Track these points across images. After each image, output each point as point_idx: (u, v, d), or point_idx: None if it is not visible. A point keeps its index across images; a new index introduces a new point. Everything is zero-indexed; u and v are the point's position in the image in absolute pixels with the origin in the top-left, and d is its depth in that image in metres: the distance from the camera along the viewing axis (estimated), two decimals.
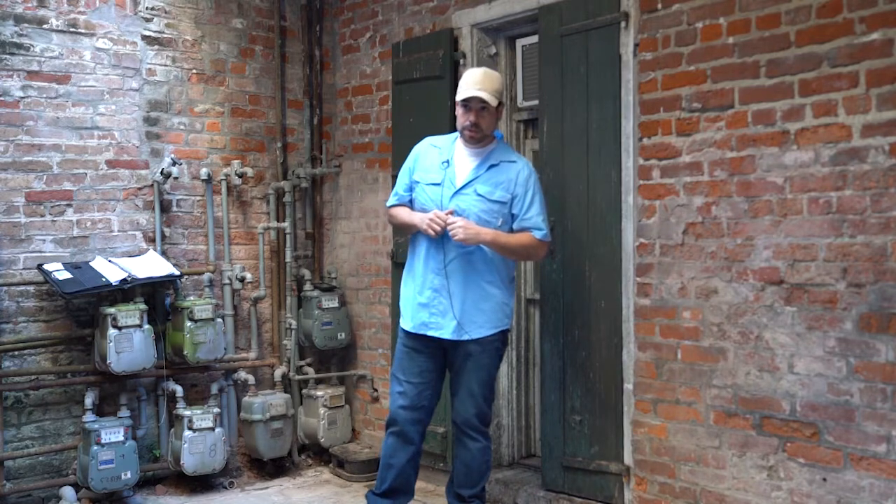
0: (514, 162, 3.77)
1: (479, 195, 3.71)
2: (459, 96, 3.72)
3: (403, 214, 3.88)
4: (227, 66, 5.30)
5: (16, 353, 4.53)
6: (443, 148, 3.86)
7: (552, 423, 4.22)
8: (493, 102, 3.69)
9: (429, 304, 3.75)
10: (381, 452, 4.01)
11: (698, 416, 3.65)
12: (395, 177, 4.22)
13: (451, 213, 3.65)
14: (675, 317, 3.73)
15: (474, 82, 3.70)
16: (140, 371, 4.60)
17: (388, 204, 4.01)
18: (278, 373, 5.33)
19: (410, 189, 3.89)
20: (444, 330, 3.73)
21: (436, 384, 3.87)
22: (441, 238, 3.69)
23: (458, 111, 3.76)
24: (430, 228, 3.64)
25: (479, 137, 3.74)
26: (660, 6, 3.75)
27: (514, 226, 3.73)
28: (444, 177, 3.76)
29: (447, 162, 3.79)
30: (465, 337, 3.72)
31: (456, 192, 3.73)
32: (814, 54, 3.25)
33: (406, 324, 3.85)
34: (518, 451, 4.83)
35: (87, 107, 4.78)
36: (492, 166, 3.74)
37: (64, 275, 4.45)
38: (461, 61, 4.67)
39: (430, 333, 3.76)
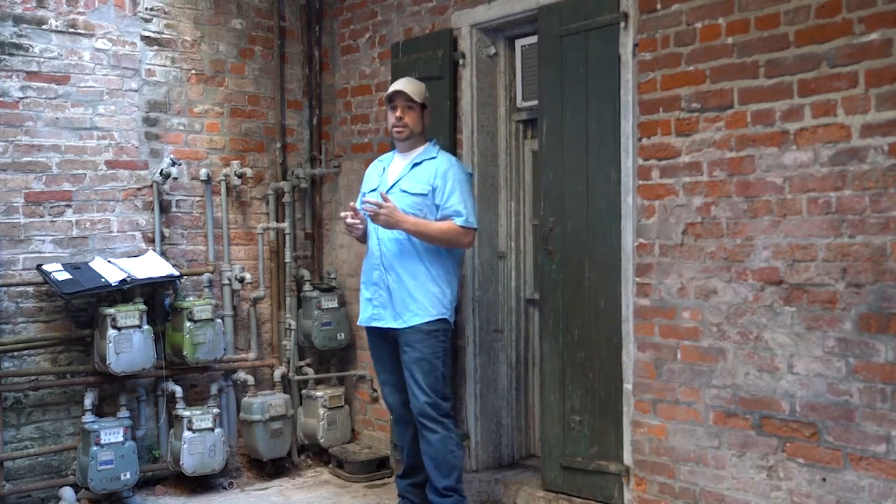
0: (434, 158, 4.06)
1: (403, 191, 4.01)
2: (385, 95, 4.08)
3: None
4: (227, 67, 5.30)
5: (15, 353, 4.53)
6: (384, 160, 4.25)
7: (552, 423, 4.22)
8: (417, 98, 4.01)
9: (372, 297, 4.06)
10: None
11: (698, 416, 3.65)
12: None
13: (385, 198, 3.90)
14: (674, 317, 3.73)
15: (398, 83, 4.07)
16: (139, 371, 4.60)
17: None
18: (278, 373, 5.33)
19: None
20: (385, 320, 4.00)
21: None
22: (377, 235, 4.01)
23: (388, 114, 4.11)
24: (346, 228, 4.08)
25: (406, 134, 4.06)
26: (659, 6, 3.75)
27: (438, 215, 3.98)
28: (380, 182, 4.12)
29: (384, 170, 4.17)
30: (403, 325, 3.93)
31: (386, 192, 4.00)
32: (813, 54, 3.25)
33: (360, 320, 4.15)
34: (517, 452, 4.83)
35: (87, 107, 4.78)
36: (415, 165, 4.06)
37: (63, 275, 4.45)
38: (460, 61, 4.67)
39: (374, 325, 4.05)
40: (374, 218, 3.87)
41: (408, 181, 4.01)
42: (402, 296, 3.94)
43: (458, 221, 3.93)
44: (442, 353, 3.97)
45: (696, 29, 3.62)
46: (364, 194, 4.17)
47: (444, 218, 3.95)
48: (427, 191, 3.96)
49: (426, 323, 3.92)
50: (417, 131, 4.07)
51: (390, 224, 3.86)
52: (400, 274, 3.95)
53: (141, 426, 4.86)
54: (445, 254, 4.00)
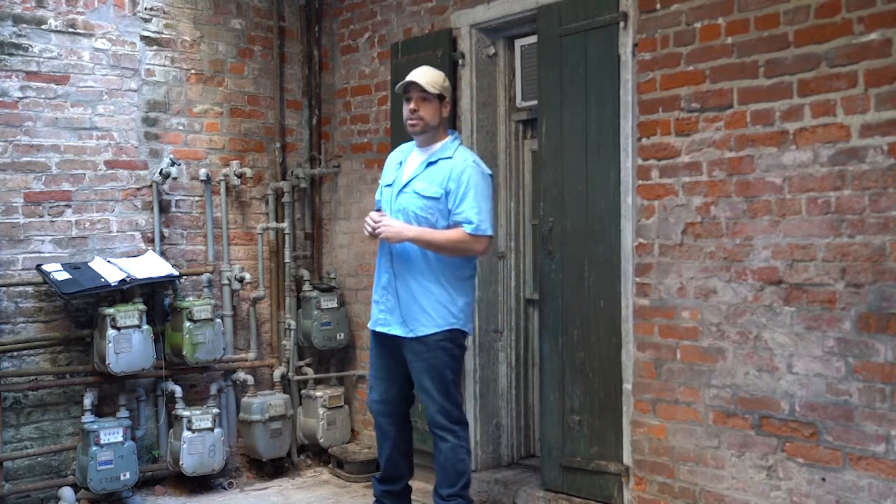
0: (449, 158, 3.83)
1: (416, 192, 3.81)
2: (398, 87, 3.87)
3: None
4: (226, 67, 5.30)
5: (15, 353, 4.53)
6: (404, 151, 4.02)
7: (551, 423, 4.22)
8: (432, 90, 3.78)
9: (380, 301, 3.91)
10: None
11: (697, 416, 3.65)
12: None
13: (380, 211, 3.80)
14: (674, 317, 3.73)
15: (413, 74, 3.85)
16: (139, 371, 4.60)
17: None
18: (277, 373, 5.33)
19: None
20: (392, 327, 3.85)
21: (401, 380, 3.94)
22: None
23: (403, 106, 3.89)
24: (365, 231, 3.83)
25: (421, 127, 3.83)
26: (658, 6, 3.75)
27: (449, 221, 3.77)
28: (396, 177, 3.92)
29: (401, 163, 3.96)
30: (410, 334, 3.80)
31: (399, 191, 3.86)
32: (812, 54, 3.26)
33: (370, 322, 4.01)
34: (517, 452, 4.83)
35: (86, 107, 4.78)
36: (430, 164, 3.85)
37: (63, 275, 4.45)
38: (460, 61, 4.67)
39: (379, 329, 3.91)
40: (374, 236, 3.75)
41: (421, 182, 3.80)
42: (409, 303, 3.78)
43: (468, 229, 3.71)
44: (449, 362, 3.82)
45: (695, 29, 3.62)
46: (381, 188, 4.01)
47: (454, 225, 3.73)
48: (439, 194, 3.74)
49: (433, 334, 3.76)
50: (434, 124, 3.82)
51: (395, 238, 3.71)
52: (409, 280, 3.78)
53: (140, 426, 4.86)
54: (459, 258, 3.81)
